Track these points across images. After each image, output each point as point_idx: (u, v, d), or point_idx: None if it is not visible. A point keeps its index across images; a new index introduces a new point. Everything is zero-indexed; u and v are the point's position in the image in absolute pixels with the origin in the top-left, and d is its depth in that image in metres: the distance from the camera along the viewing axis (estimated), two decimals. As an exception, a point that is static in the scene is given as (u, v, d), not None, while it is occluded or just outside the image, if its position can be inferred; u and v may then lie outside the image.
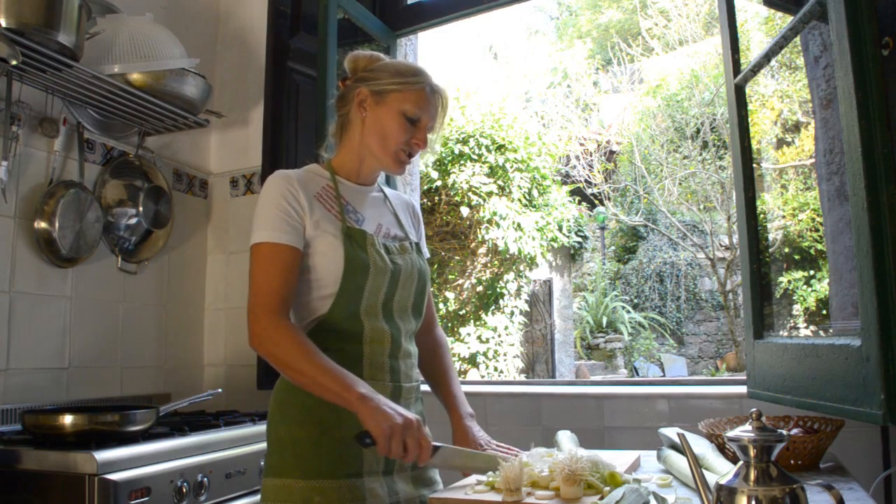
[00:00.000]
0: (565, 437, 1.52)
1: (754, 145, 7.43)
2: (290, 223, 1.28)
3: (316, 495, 1.21)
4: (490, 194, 7.27)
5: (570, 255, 10.14)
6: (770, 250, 8.97)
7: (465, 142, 7.23)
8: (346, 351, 1.27)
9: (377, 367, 1.30)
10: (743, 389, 1.89)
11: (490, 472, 1.19)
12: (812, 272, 8.98)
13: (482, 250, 7.51)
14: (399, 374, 1.34)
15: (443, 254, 7.48)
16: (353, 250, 1.28)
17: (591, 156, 10.44)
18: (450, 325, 7.42)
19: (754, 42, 8.36)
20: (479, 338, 7.34)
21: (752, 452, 0.86)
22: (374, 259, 1.30)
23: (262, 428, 1.90)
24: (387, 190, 1.51)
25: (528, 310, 8.45)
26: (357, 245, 1.29)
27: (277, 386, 1.33)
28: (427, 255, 1.51)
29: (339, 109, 1.41)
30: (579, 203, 9.88)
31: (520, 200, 7.61)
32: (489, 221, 7.25)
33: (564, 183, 9.41)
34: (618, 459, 1.33)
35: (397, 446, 1.11)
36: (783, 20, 5.23)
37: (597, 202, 10.74)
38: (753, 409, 0.90)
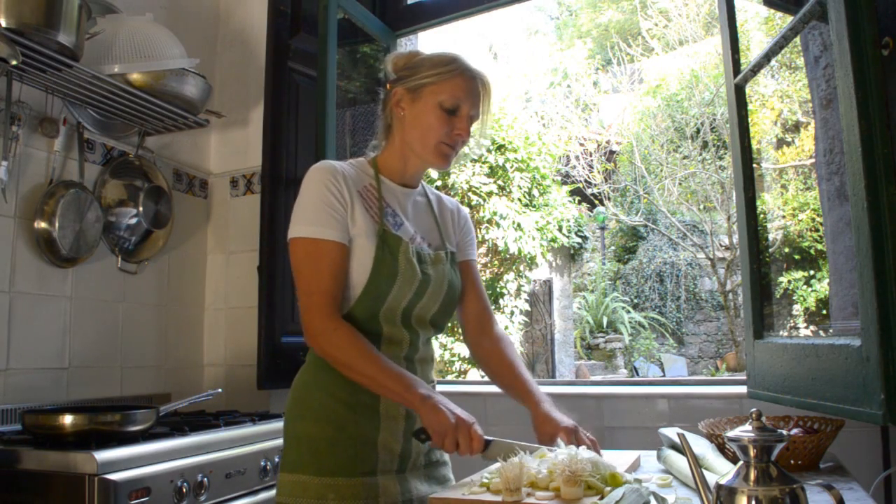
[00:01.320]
0: None
1: (754, 145, 7.42)
2: (335, 217, 1.25)
3: (330, 492, 1.22)
4: (490, 194, 7.27)
5: (570, 255, 10.14)
6: (770, 250, 8.97)
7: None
8: None
9: None
10: (743, 389, 1.89)
11: (487, 474, 1.18)
12: (812, 272, 8.98)
13: (482, 250, 7.51)
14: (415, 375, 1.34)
15: (443, 254, 7.48)
16: (384, 255, 1.26)
17: (590, 156, 10.44)
18: (450, 324, 7.43)
19: (754, 42, 8.36)
20: (479, 338, 7.33)
21: (752, 452, 0.86)
22: (404, 267, 1.27)
23: (262, 428, 1.91)
24: (433, 193, 1.48)
25: (529, 310, 8.45)
26: (389, 251, 1.27)
27: (295, 383, 1.33)
28: (475, 256, 1.50)
29: (382, 112, 1.40)
30: (579, 203, 9.88)
31: (520, 200, 7.62)
32: (489, 221, 7.26)
33: (564, 183, 9.41)
34: (618, 459, 1.33)
35: (450, 443, 1.14)
36: (783, 20, 5.23)
37: (597, 202, 10.74)
38: (753, 409, 0.90)
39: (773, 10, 7.20)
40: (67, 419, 1.53)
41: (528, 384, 1.40)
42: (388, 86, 1.38)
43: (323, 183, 1.27)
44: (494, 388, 1.49)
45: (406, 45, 2.76)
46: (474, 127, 1.35)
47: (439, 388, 1.50)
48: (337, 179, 1.27)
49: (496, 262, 7.58)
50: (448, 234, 1.44)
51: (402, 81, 1.33)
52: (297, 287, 1.26)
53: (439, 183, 7.13)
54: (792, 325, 9.14)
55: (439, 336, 7.42)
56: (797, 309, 9.09)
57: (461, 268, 1.47)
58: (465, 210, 1.55)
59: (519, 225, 7.36)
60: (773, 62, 7.06)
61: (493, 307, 7.44)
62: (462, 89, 1.30)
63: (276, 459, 1.87)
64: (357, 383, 1.23)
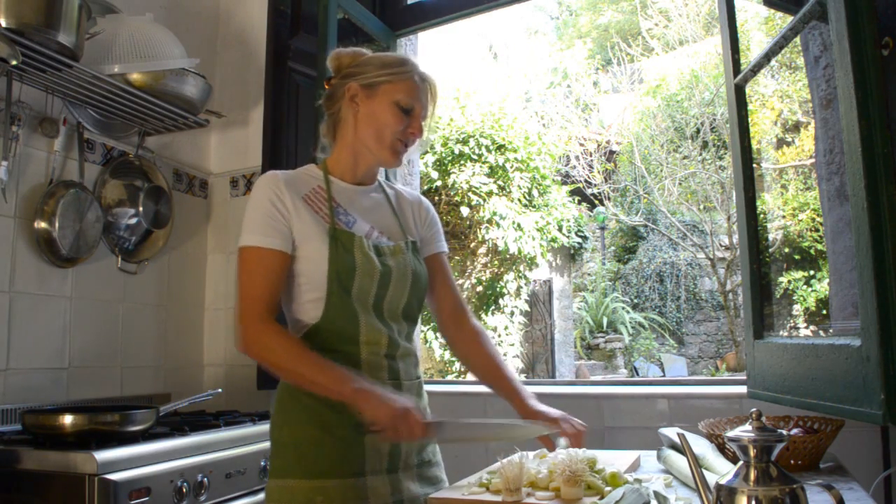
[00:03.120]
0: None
1: (754, 145, 7.43)
2: (275, 227, 1.28)
3: (318, 495, 1.21)
4: (490, 194, 7.27)
5: (570, 255, 10.14)
6: (770, 250, 8.97)
7: (464, 142, 7.24)
8: (343, 352, 1.27)
9: (375, 367, 1.30)
10: (743, 389, 1.89)
11: (486, 474, 1.18)
12: (812, 272, 8.98)
13: (482, 250, 7.52)
14: (398, 373, 1.33)
15: (443, 254, 7.48)
16: (337, 253, 1.27)
17: (590, 156, 10.44)
18: (450, 324, 7.41)
19: (754, 42, 8.36)
20: (479, 338, 7.33)
21: (752, 452, 0.86)
22: (361, 261, 1.28)
23: (262, 428, 1.90)
24: (391, 188, 1.49)
25: (528, 310, 8.46)
26: (343, 247, 1.28)
27: (279, 388, 1.33)
28: (444, 249, 1.50)
29: (328, 108, 1.40)
30: (579, 203, 9.88)
31: (520, 200, 7.62)
32: (489, 221, 7.26)
33: (564, 183, 9.41)
34: (618, 459, 1.33)
35: (392, 433, 1.13)
36: (783, 20, 5.23)
37: (597, 202, 10.74)
38: (753, 409, 0.90)
39: (773, 10, 7.20)
40: (67, 419, 1.53)
41: (512, 381, 1.41)
42: (328, 84, 1.40)
43: (265, 194, 1.30)
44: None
45: (406, 45, 2.76)
46: (423, 125, 1.38)
47: (439, 388, 1.50)
48: (278, 188, 1.30)
49: (496, 262, 7.58)
50: (408, 227, 1.44)
51: (354, 78, 1.35)
52: (237, 294, 1.29)
53: (439, 183, 7.14)
54: (792, 325, 9.14)
55: (439, 336, 7.41)
56: (797, 309, 9.10)
57: (431, 261, 1.46)
58: (427, 202, 1.54)
59: (519, 225, 7.36)
60: (773, 62, 7.06)
61: (493, 307, 7.50)
62: (416, 90, 1.35)
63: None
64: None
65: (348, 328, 1.29)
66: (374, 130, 1.33)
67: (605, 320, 10.07)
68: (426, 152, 6.99)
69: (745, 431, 0.88)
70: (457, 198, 7.14)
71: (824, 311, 8.67)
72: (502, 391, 1.41)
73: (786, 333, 8.36)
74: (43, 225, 1.96)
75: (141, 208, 2.26)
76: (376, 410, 1.14)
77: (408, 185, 2.68)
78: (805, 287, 8.95)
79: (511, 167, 7.42)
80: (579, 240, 9.83)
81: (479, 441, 1.20)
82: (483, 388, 2.05)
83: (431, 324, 6.61)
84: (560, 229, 8.28)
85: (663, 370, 9.61)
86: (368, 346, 1.30)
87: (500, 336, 7.48)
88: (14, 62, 1.63)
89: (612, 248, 11.52)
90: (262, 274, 1.28)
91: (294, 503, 1.22)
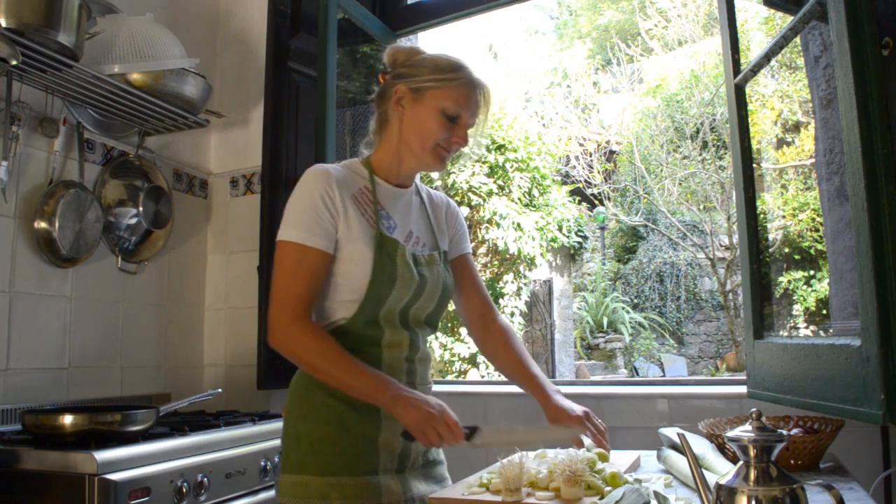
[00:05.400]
0: (587, 439, 1.52)
1: (754, 145, 7.43)
2: (323, 225, 1.26)
3: (334, 492, 1.22)
4: (490, 194, 7.27)
5: (570, 255, 10.14)
6: (770, 250, 8.97)
7: (465, 142, 7.22)
8: (365, 353, 1.27)
9: (395, 370, 1.30)
10: (743, 389, 1.89)
11: (486, 474, 1.18)
12: (812, 272, 8.98)
13: (482, 250, 7.51)
14: (415, 376, 1.34)
15: (443, 254, 7.49)
16: (382, 260, 1.26)
17: (590, 156, 10.44)
18: (450, 324, 7.42)
19: (754, 42, 8.36)
20: (479, 338, 7.33)
21: (752, 452, 0.87)
22: (402, 271, 1.28)
23: (262, 428, 1.90)
24: (425, 191, 1.48)
25: (528, 310, 8.46)
26: (387, 255, 1.27)
27: (295, 382, 1.33)
28: (469, 250, 1.51)
29: (377, 106, 1.38)
30: (579, 203, 9.88)
31: (520, 200, 7.62)
32: (489, 221, 7.26)
33: (564, 183, 9.41)
34: (618, 459, 1.33)
35: (432, 436, 1.14)
36: (783, 20, 5.23)
37: (597, 202, 10.74)
38: (753, 409, 0.90)
39: (773, 10, 7.20)
40: (67, 419, 1.53)
41: (538, 377, 1.42)
42: (383, 78, 1.37)
43: (316, 189, 1.27)
44: (494, 388, 1.50)
45: (406, 45, 2.76)
46: (471, 132, 1.36)
47: (439, 387, 1.51)
48: (331, 186, 1.27)
49: (496, 263, 7.58)
50: (441, 233, 1.44)
51: (404, 79, 1.32)
52: (273, 287, 1.26)
53: (439, 183, 7.13)
54: (792, 325, 9.14)
55: (439, 336, 7.40)
56: (797, 309, 9.09)
57: (458, 263, 1.47)
58: (455, 204, 1.54)
59: (519, 225, 7.36)
60: (773, 62, 7.06)
61: (492, 306, 7.50)
62: (465, 98, 1.31)
63: (276, 459, 1.87)
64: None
65: (373, 331, 1.29)
66: (419, 136, 1.31)
67: (605, 320, 10.07)
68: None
69: (745, 431, 0.88)
70: (457, 198, 7.14)
71: (824, 311, 8.67)
72: (527, 387, 1.42)
73: (786, 333, 8.35)
74: (43, 225, 1.96)
75: (141, 208, 2.26)
76: (414, 416, 1.15)
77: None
78: (805, 287, 8.95)
79: (511, 167, 7.43)
80: (579, 240, 9.83)
81: (513, 446, 1.21)
82: (483, 388, 2.06)
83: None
84: (560, 229, 8.28)
85: (663, 370, 9.60)
86: (391, 349, 1.30)
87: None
88: (14, 62, 1.63)
89: (612, 248, 11.52)
90: (305, 273, 1.25)
91: (309, 499, 1.22)
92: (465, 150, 1.37)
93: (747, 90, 1.87)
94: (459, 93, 1.31)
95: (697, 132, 9.36)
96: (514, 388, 1.51)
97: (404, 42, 2.70)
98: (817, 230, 8.67)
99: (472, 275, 1.49)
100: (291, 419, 1.30)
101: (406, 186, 1.40)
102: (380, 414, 1.27)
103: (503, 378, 1.58)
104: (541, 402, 1.37)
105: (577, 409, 1.34)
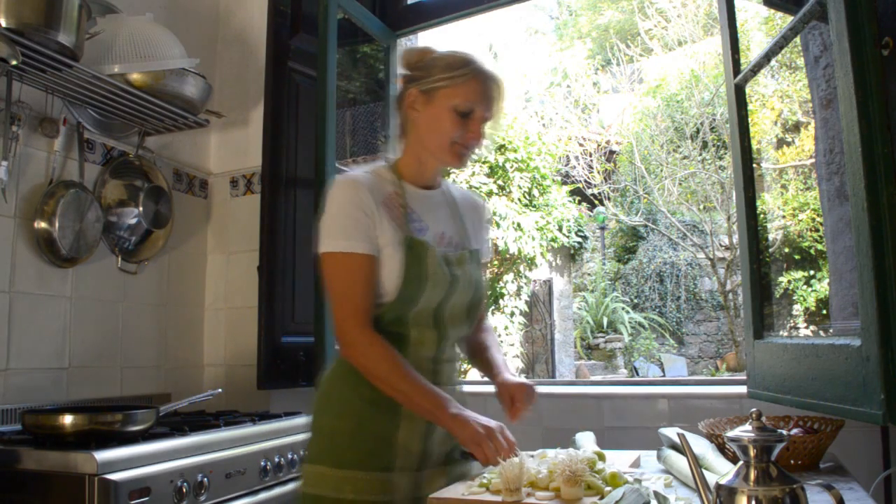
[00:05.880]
0: (587, 439, 1.52)
1: (754, 145, 7.42)
2: (363, 230, 1.27)
3: (347, 485, 1.25)
4: (490, 194, 7.27)
5: (570, 255, 10.14)
6: (770, 250, 8.97)
7: (465, 142, 7.23)
8: None
9: (421, 370, 1.30)
10: (743, 389, 1.89)
11: (485, 475, 1.19)
12: (812, 272, 8.98)
13: (482, 250, 7.50)
14: (441, 376, 1.35)
15: (443, 254, 7.49)
16: (412, 263, 1.28)
17: (590, 156, 10.44)
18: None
19: (754, 42, 8.36)
20: (479, 338, 7.34)
21: (752, 452, 0.87)
22: (433, 271, 1.29)
23: (262, 428, 1.91)
24: (455, 191, 1.49)
25: (528, 310, 8.46)
26: (417, 257, 1.28)
27: (323, 378, 1.37)
28: (487, 258, 1.51)
29: (398, 111, 1.39)
30: (579, 203, 9.87)
31: (520, 200, 7.62)
32: (489, 221, 7.25)
33: (564, 183, 9.40)
34: (618, 459, 1.33)
35: (489, 453, 1.18)
36: (783, 20, 5.23)
37: (597, 202, 10.74)
38: (753, 409, 0.90)
39: (773, 10, 7.20)
40: (67, 419, 1.53)
41: (493, 358, 1.46)
42: (399, 81, 1.39)
43: (349, 198, 1.29)
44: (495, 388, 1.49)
45: (406, 45, 2.76)
46: (488, 125, 1.35)
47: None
48: (363, 193, 1.29)
49: (496, 263, 7.58)
50: (470, 233, 1.44)
51: (415, 83, 1.33)
52: (331, 300, 1.29)
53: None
54: (792, 325, 9.14)
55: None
56: (797, 309, 9.09)
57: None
58: (487, 206, 1.55)
59: (519, 225, 7.36)
60: (773, 62, 7.06)
61: (493, 307, 7.49)
62: (476, 93, 1.30)
63: (276, 459, 1.87)
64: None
65: (400, 329, 1.31)
66: (435, 137, 1.32)
67: (605, 320, 10.07)
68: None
69: (745, 431, 0.88)
70: (457, 198, 7.13)
71: (824, 311, 8.66)
72: (484, 367, 1.48)
73: (786, 333, 8.35)
74: (43, 225, 1.96)
75: (141, 208, 2.26)
76: (471, 431, 1.19)
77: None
78: (805, 287, 8.95)
79: (511, 167, 7.43)
80: (579, 240, 9.83)
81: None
82: (484, 388, 2.05)
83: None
84: (560, 229, 8.28)
85: (663, 370, 9.60)
86: (416, 348, 1.32)
87: (500, 336, 7.48)
88: (14, 62, 1.63)
89: (612, 248, 11.52)
90: (358, 280, 1.27)
91: (324, 489, 1.26)
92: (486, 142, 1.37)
93: (747, 90, 1.87)
94: (469, 88, 1.30)
95: (697, 132, 9.36)
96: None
97: (410, 42, 2.70)
98: (817, 230, 8.67)
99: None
100: (316, 412, 1.34)
101: (433, 187, 1.41)
102: (399, 413, 1.28)
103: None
104: (493, 379, 1.43)
105: (516, 380, 1.39)
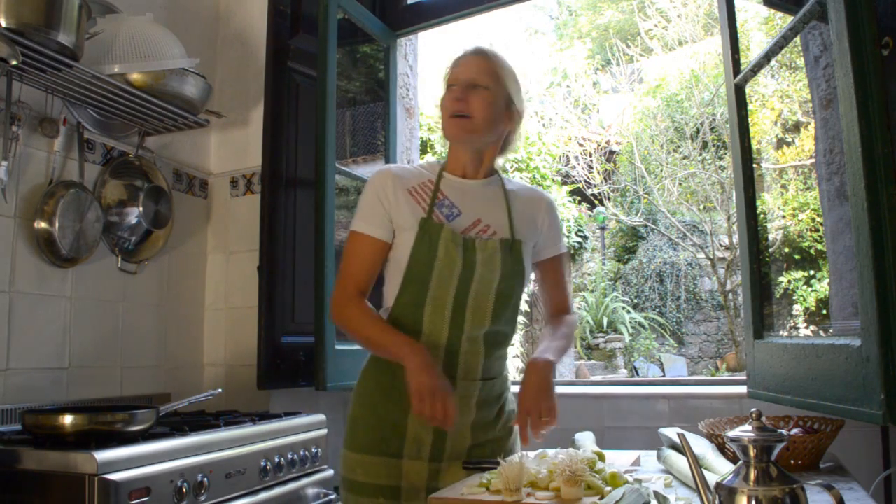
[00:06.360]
0: (587, 439, 1.53)
1: (754, 145, 7.42)
2: (376, 216, 1.39)
3: (359, 467, 1.36)
4: (490, 194, 7.26)
5: (570, 255, 10.14)
6: (770, 250, 8.96)
7: (465, 142, 7.23)
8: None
9: (435, 359, 1.34)
10: (743, 389, 1.89)
11: (486, 476, 1.18)
12: (812, 272, 8.97)
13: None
14: (456, 369, 1.36)
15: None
16: (422, 242, 1.34)
17: (590, 156, 10.43)
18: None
19: (754, 42, 8.36)
20: (479, 338, 7.33)
21: (752, 452, 0.87)
22: (442, 253, 1.33)
23: (262, 428, 1.91)
24: (512, 184, 1.51)
25: (528, 310, 8.45)
26: (428, 237, 1.34)
27: (360, 371, 1.48)
28: (561, 251, 1.52)
29: None
30: (579, 203, 9.87)
31: (520, 200, 7.60)
32: (489, 221, 7.25)
33: (564, 183, 9.41)
34: (618, 459, 1.33)
35: (425, 407, 1.21)
36: (783, 20, 5.23)
37: (597, 202, 10.73)
38: (753, 409, 0.90)
39: (773, 10, 7.20)
40: (67, 419, 1.53)
41: (545, 340, 1.45)
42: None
43: (372, 187, 1.42)
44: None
45: (406, 45, 2.76)
46: (484, 96, 1.39)
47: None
48: (385, 181, 1.41)
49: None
50: (520, 225, 1.45)
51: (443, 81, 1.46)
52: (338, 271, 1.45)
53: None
54: (792, 325, 9.13)
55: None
56: (797, 309, 9.08)
57: (547, 264, 1.51)
58: (550, 201, 1.55)
59: (519, 225, 7.35)
60: (773, 62, 7.05)
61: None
62: (455, 62, 1.44)
63: (276, 459, 1.87)
64: (394, 370, 1.32)
65: (413, 317, 1.36)
66: (441, 119, 1.43)
67: (605, 320, 10.06)
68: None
69: (745, 431, 0.88)
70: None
71: (824, 311, 8.66)
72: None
73: (786, 333, 8.35)
74: (43, 225, 1.96)
75: (141, 208, 2.26)
76: (421, 380, 1.22)
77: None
78: (805, 287, 8.94)
79: (511, 167, 7.42)
80: (579, 240, 9.83)
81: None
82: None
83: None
84: (560, 229, 8.26)
85: (663, 370, 9.60)
86: (428, 336, 1.35)
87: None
88: (14, 62, 1.63)
89: (612, 248, 11.51)
90: (359, 256, 1.40)
91: (344, 470, 1.40)
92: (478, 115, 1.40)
93: (747, 90, 1.88)
94: (455, 62, 1.43)
95: (697, 132, 9.36)
96: (515, 389, 1.51)
97: (403, 47, 2.69)
98: (817, 230, 8.66)
99: (556, 276, 1.53)
100: (351, 401, 1.47)
101: (474, 177, 1.45)
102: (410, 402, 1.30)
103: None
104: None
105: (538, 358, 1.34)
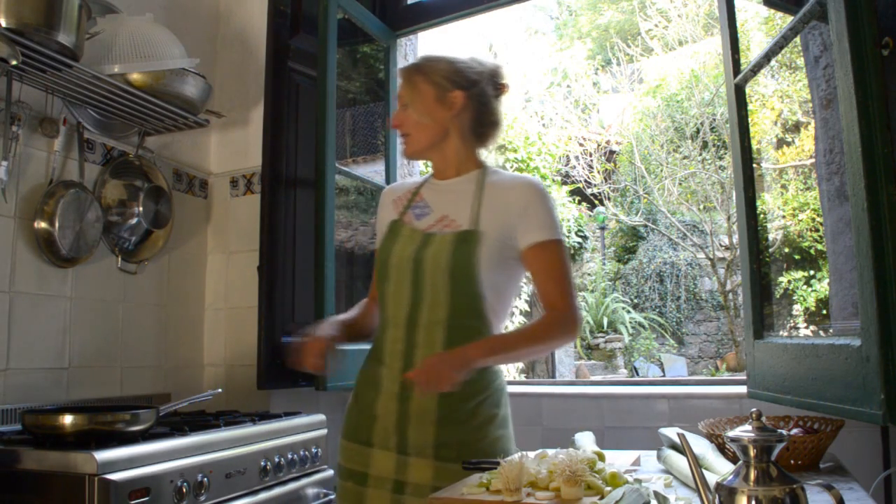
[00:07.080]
0: (586, 439, 1.53)
1: (754, 145, 7.42)
2: (378, 230, 1.56)
3: (342, 452, 1.46)
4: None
5: (570, 256, 10.13)
6: (770, 250, 8.96)
7: (465, 142, 7.23)
8: (378, 339, 1.49)
9: (394, 356, 1.42)
10: (743, 389, 1.89)
11: (486, 476, 1.18)
12: (812, 272, 8.97)
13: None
14: (414, 358, 1.38)
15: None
16: (385, 241, 1.47)
17: (590, 156, 10.43)
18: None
19: (754, 42, 8.36)
20: (479, 338, 7.33)
21: (752, 452, 0.87)
22: (397, 250, 1.42)
23: (262, 428, 1.91)
24: (493, 176, 1.44)
25: (528, 310, 8.46)
26: (392, 236, 1.46)
27: None
28: (539, 239, 1.36)
29: None
30: (579, 203, 9.87)
31: (520, 200, 7.60)
32: (489, 221, 7.25)
33: (564, 183, 9.41)
34: (618, 459, 1.33)
35: (293, 349, 1.39)
36: (783, 20, 5.23)
37: (597, 202, 10.73)
38: (753, 409, 0.90)
39: (773, 10, 7.20)
40: (67, 419, 1.53)
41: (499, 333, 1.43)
42: None
43: (378, 204, 1.61)
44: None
45: (406, 45, 2.76)
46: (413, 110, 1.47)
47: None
48: (382, 199, 1.58)
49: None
50: (487, 215, 1.37)
51: None
52: None
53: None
54: (792, 325, 9.13)
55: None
56: (797, 309, 9.09)
57: (526, 255, 1.37)
58: (530, 186, 1.40)
59: (519, 225, 7.35)
60: (773, 62, 7.05)
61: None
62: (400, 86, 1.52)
63: (276, 459, 1.87)
64: (371, 357, 1.48)
65: (383, 312, 1.46)
66: None
67: (605, 320, 10.06)
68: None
69: (745, 431, 0.88)
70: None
71: (824, 311, 8.66)
72: None
73: (786, 333, 8.35)
74: (43, 225, 1.96)
75: (141, 208, 2.26)
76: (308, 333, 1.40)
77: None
78: (805, 287, 8.94)
79: (511, 167, 7.42)
80: (579, 240, 9.83)
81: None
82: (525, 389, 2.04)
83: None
84: (560, 229, 8.27)
85: (663, 370, 9.60)
86: (388, 332, 1.44)
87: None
88: (14, 62, 1.63)
89: (612, 248, 11.51)
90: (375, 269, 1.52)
91: (337, 455, 1.49)
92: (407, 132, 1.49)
93: (747, 90, 1.88)
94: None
95: (697, 132, 9.36)
96: (515, 389, 1.52)
97: (403, 47, 2.69)
98: (817, 230, 8.66)
99: (540, 266, 1.37)
100: None
101: (448, 177, 1.50)
102: (379, 387, 1.40)
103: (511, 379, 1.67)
104: None
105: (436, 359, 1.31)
